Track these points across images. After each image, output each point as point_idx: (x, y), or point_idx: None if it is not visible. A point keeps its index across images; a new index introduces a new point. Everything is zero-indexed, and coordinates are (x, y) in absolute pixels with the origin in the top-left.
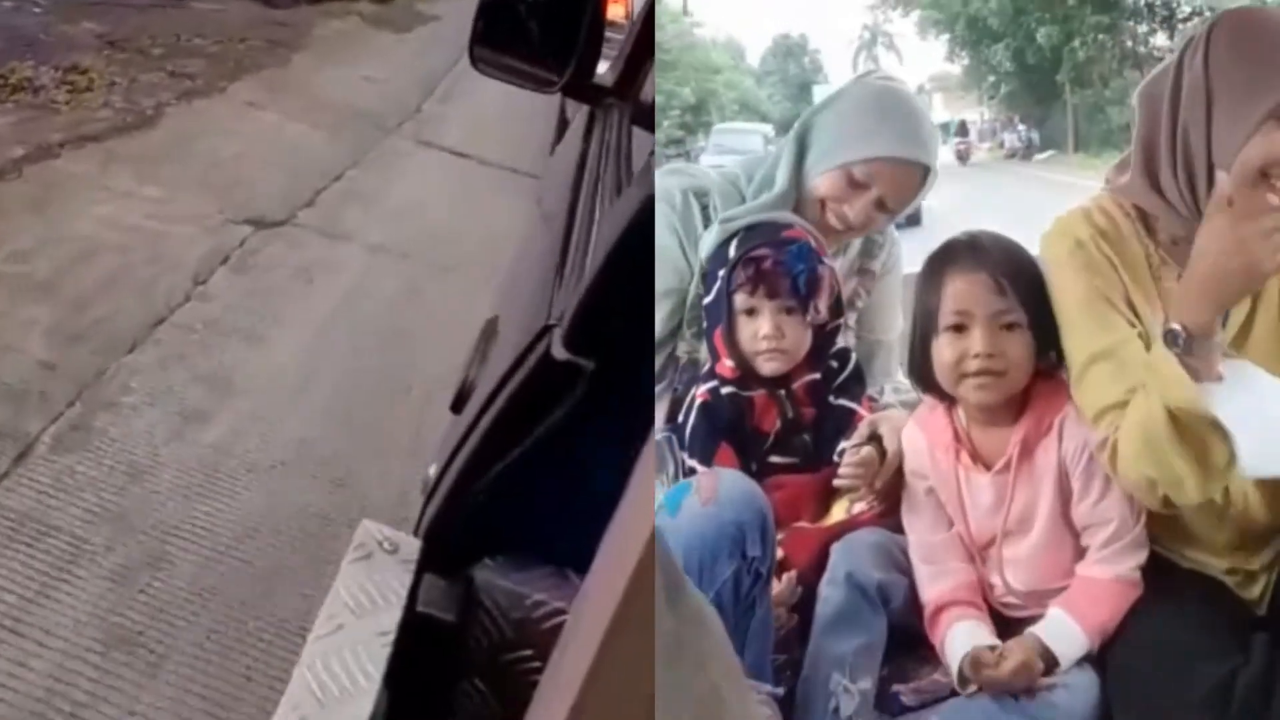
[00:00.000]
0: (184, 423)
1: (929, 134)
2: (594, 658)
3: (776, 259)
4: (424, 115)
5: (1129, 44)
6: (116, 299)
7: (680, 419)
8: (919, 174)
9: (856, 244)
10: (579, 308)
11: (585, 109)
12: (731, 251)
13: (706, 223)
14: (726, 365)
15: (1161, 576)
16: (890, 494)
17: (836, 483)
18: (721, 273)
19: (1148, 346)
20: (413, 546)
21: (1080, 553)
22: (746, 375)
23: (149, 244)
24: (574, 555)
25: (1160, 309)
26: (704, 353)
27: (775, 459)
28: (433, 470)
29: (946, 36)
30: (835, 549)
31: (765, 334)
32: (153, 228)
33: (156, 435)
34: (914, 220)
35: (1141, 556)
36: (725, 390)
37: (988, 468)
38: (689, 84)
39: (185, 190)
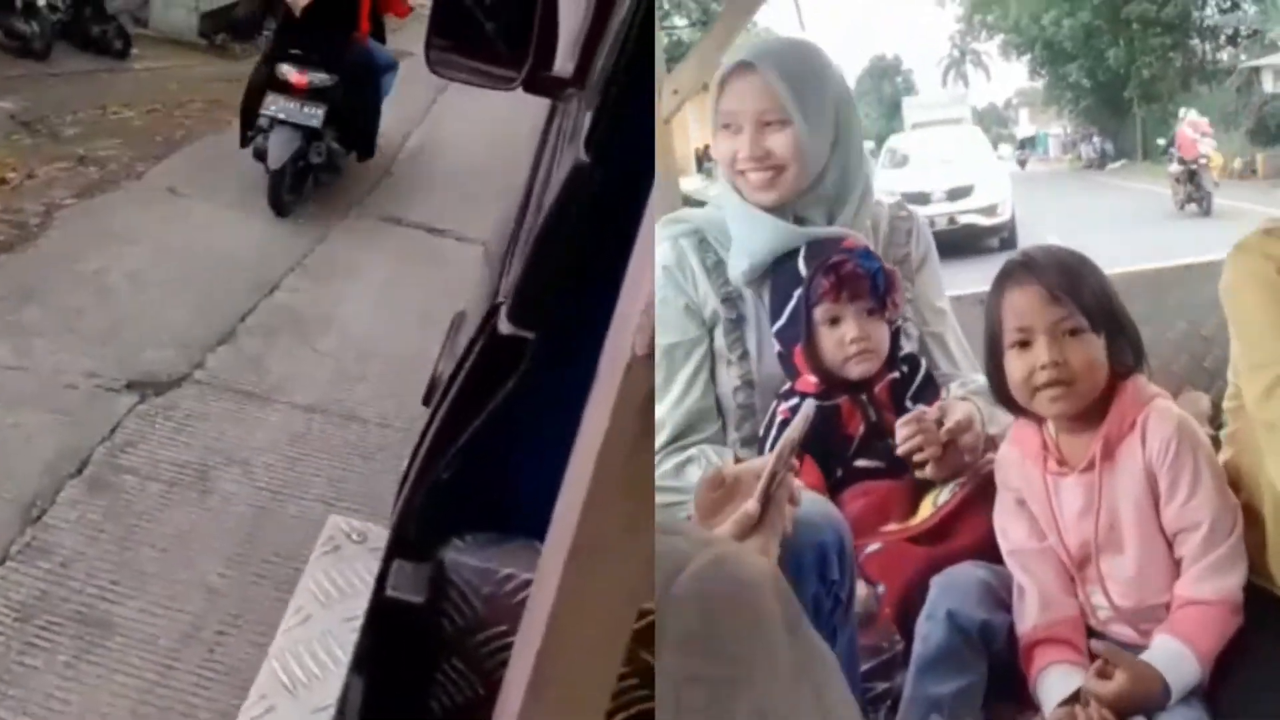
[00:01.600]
0: None
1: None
2: (554, 602)
3: (855, 262)
4: (394, 178)
5: (1194, 61)
6: None
7: (761, 434)
8: (745, 70)
9: (883, 231)
10: (518, 282)
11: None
12: (801, 269)
13: (703, 258)
14: (810, 381)
15: (1269, 612)
16: (957, 466)
17: (899, 449)
18: (797, 292)
19: None
20: (381, 535)
21: (1177, 566)
22: (831, 385)
23: None
24: (543, 527)
25: None
26: (756, 371)
27: (861, 463)
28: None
29: (1027, 57)
30: (936, 583)
31: (853, 337)
32: None
33: None
34: (1008, 244)
35: (1242, 573)
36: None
37: (1074, 470)
38: None
39: (48, 344)
